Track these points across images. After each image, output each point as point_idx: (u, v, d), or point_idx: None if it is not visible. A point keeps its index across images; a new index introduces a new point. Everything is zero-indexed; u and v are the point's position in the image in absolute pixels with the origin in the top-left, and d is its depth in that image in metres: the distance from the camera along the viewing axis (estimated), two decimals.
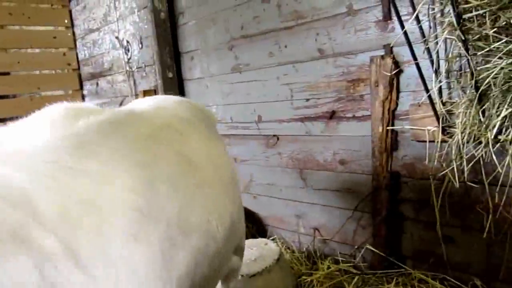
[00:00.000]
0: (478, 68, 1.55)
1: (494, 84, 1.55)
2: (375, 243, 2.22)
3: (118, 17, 3.82)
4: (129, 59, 3.73)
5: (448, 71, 1.80)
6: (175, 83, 3.41)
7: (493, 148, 1.59)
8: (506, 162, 1.57)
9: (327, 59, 2.34)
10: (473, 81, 1.54)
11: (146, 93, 3.45)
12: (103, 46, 4.29)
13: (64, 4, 4.84)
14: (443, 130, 1.82)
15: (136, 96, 3.69)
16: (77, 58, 4.89)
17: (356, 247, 2.37)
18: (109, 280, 0.77)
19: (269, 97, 2.72)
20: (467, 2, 1.44)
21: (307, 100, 2.50)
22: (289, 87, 2.58)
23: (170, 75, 3.40)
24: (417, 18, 1.71)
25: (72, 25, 4.87)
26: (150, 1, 3.27)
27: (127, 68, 3.77)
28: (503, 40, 1.43)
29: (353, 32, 2.18)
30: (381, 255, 2.18)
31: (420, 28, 1.72)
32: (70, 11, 4.85)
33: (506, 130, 1.58)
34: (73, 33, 4.87)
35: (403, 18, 1.77)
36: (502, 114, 1.54)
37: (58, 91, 4.96)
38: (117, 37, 3.80)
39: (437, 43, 1.74)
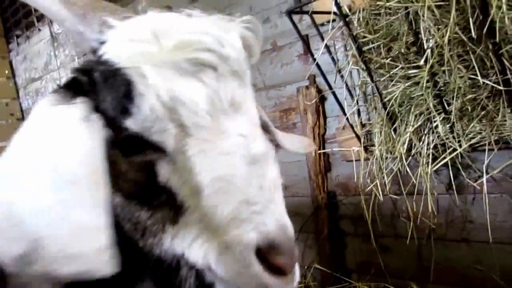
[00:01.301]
0: (384, 92, 1.75)
1: (399, 105, 1.75)
2: (321, 261, 2.33)
3: (59, 65, 3.85)
4: None
5: (364, 96, 1.99)
6: None
7: (406, 161, 1.77)
8: (419, 173, 1.75)
9: (260, 92, 2.50)
10: (380, 104, 1.73)
11: None
12: (46, 94, 4.27)
13: (3, 55, 4.81)
14: (366, 149, 1.99)
15: None
16: (21, 107, 4.83)
17: (305, 267, 2.47)
18: None
19: None
20: (364, 37, 1.64)
21: None
22: None
23: None
24: (328, 51, 1.90)
25: (14, 75, 4.83)
26: None
27: None
28: (399, 67, 1.63)
29: (280, 66, 2.36)
30: (328, 272, 2.29)
31: (333, 59, 1.91)
32: (10, 62, 4.82)
33: (415, 145, 1.77)
34: (15, 83, 4.83)
35: (321, 51, 1.96)
36: (409, 132, 1.73)
37: (2, 143, 4.83)
38: (59, 85, 3.82)
39: (350, 72, 1.94)
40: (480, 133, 1.65)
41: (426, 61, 1.49)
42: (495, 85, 1.43)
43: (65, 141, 0.64)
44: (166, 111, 0.63)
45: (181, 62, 0.64)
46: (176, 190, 0.65)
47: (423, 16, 1.38)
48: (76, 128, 0.64)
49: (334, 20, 1.87)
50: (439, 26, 1.41)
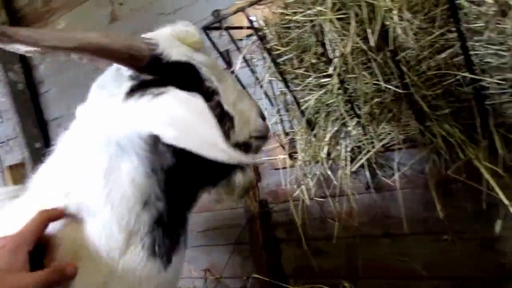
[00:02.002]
0: (302, 100, 1.84)
1: (316, 112, 1.85)
2: (259, 270, 2.36)
3: None
4: None
5: (285, 105, 2.08)
6: (44, 153, 3.28)
7: (327, 165, 1.87)
8: (339, 175, 1.85)
9: None
10: (297, 113, 1.82)
11: (12, 168, 3.25)
12: None
13: None
14: (291, 156, 2.07)
15: (1, 173, 3.45)
16: None
17: (244, 278, 2.49)
18: None
19: None
20: (278, 49, 1.72)
21: None
22: None
23: (38, 145, 3.27)
24: (247, 64, 1.96)
25: None
26: (4, 74, 3.16)
27: None
28: (312, 77, 1.73)
29: None
30: (266, 280, 2.32)
31: (252, 72, 1.98)
32: None
33: (334, 148, 1.87)
34: None
35: (239, 65, 2.02)
36: (327, 137, 1.83)
37: None
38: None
39: (270, 83, 2.02)
40: (390, 134, 1.79)
41: (334, 70, 1.60)
42: (396, 89, 1.56)
43: (193, 106, 0.97)
44: (210, 72, 1.10)
45: (203, 49, 1.16)
46: (229, 110, 1.12)
47: (327, 28, 1.48)
48: (192, 99, 0.98)
49: (252, 35, 1.94)
50: (342, 37, 1.52)
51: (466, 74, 1.48)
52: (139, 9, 2.53)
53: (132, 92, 0.96)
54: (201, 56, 1.10)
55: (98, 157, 0.98)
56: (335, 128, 1.82)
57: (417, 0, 1.39)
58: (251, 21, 1.66)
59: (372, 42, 1.46)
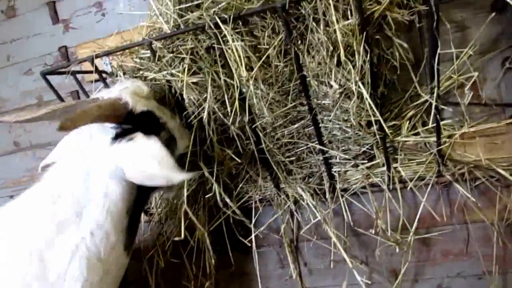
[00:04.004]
0: None
1: None
2: None
3: None
4: None
5: None
6: None
7: (185, 224, 1.76)
8: (196, 235, 1.76)
9: (26, 152, 2.17)
10: None
11: None
12: None
13: None
14: (146, 212, 1.91)
15: None
16: None
17: None
18: None
19: None
20: None
21: (12, 196, 2.23)
22: None
23: None
24: None
25: None
26: None
27: None
28: None
29: (48, 123, 2.10)
30: None
31: None
32: None
33: (193, 206, 1.78)
34: None
35: None
36: (184, 195, 1.73)
37: None
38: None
39: None
40: (248, 193, 1.78)
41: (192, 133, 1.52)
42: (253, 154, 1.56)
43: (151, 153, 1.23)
44: (159, 112, 1.38)
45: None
46: (174, 134, 1.41)
47: (184, 93, 1.40)
48: (152, 144, 1.24)
49: (105, 79, 1.76)
50: (200, 101, 1.45)
51: (316, 145, 1.55)
52: None
53: (115, 138, 1.24)
54: (151, 102, 1.37)
55: (97, 183, 1.22)
56: (193, 187, 1.73)
57: (272, 73, 1.39)
58: (99, 71, 1.51)
59: (229, 108, 1.43)
